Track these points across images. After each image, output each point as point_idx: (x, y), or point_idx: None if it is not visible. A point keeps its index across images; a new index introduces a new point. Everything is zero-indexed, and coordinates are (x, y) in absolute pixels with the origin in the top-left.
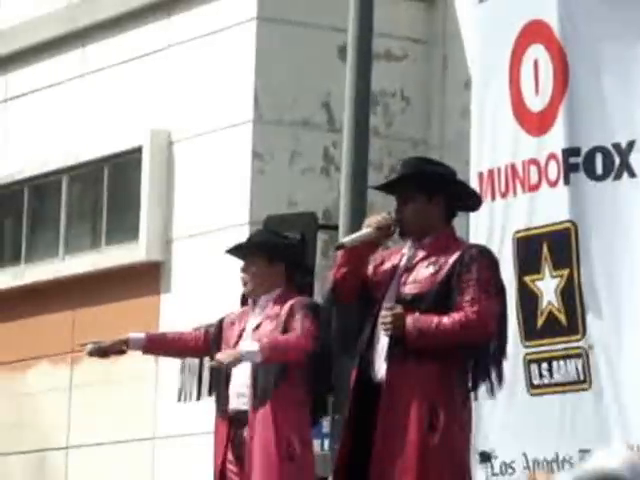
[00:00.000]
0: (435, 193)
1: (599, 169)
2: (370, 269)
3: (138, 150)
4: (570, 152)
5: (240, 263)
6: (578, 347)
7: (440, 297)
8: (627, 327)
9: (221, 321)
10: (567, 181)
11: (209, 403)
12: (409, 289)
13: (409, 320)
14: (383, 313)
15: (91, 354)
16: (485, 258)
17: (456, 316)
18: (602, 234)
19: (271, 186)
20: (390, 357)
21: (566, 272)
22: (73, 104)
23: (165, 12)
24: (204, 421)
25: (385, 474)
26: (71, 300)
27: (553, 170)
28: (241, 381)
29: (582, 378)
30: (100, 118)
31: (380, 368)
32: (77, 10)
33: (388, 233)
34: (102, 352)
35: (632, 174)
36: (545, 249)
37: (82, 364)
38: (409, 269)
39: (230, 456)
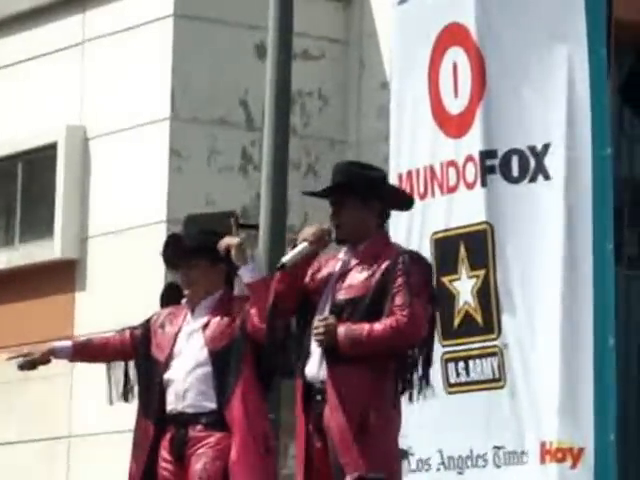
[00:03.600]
0: (369, 197)
1: (515, 171)
2: (307, 276)
3: (53, 146)
4: (487, 154)
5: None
6: (494, 346)
7: (374, 302)
8: (540, 327)
9: (148, 322)
10: (484, 183)
11: (124, 403)
12: (343, 294)
13: (341, 330)
14: (316, 324)
15: (22, 368)
16: (417, 264)
17: (387, 321)
18: (517, 235)
19: (189, 184)
20: (325, 362)
21: (482, 272)
22: None
23: (80, 7)
24: (119, 420)
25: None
26: None
27: (471, 172)
28: (180, 384)
29: (497, 376)
30: (14, 114)
31: (311, 369)
32: None
33: (324, 243)
34: (31, 364)
35: (547, 176)
36: (462, 250)
37: None
38: (343, 275)
39: (166, 456)
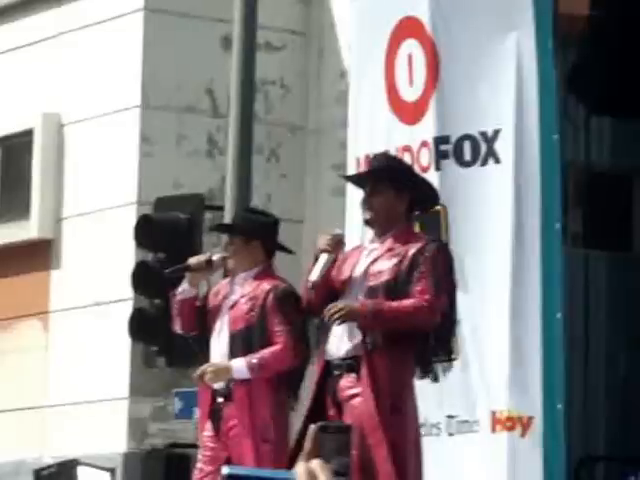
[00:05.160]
0: (402, 190)
1: (467, 156)
2: (334, 270)
3: (30, 132)
4: (440, 140)
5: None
6: None
7: (402, 286)
8: (491, 302)
9: (207, 293)
10: (438, 167)
11: (97, 373)
12: (373, 280)
13: (362, 304)
14: (330, 305)
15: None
16: (442, 255)
17: (407, 302)
18: (470, 216)
19: (158, 168)
20: (362, 346)
21: None
22: None
23: (56, 2)
24: (94, 390)
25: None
26: None
27: (425, 156)
28: (220, 358)
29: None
30: None
31: (331, 348)
32: None
33: (341, 247)
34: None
35: (497, 160)
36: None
37: None
38: (373, 262)
39: (208, 427)
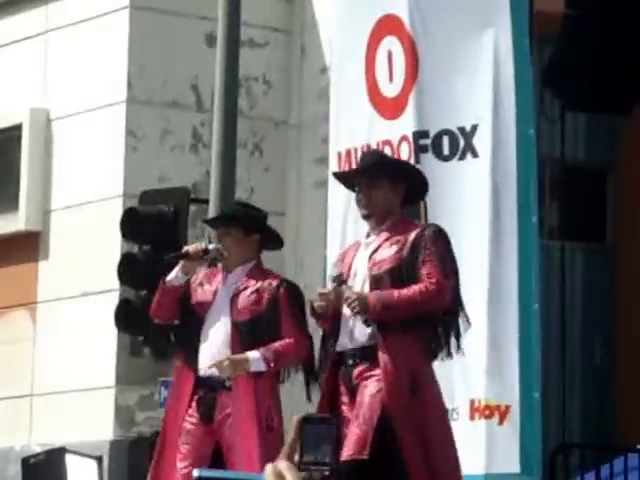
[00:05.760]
0: (397, 182)
1: (446, 150)
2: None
3: (18, 127)
4: (420, 134)
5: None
6: None
7: (405, 272)
8: (470, 294)
9: (187, 282)
10: (417, 161)
11: (84, 362)
12: (376, 269)
13: (372, 296)
14: (346, 295)
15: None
16: (441, 238)
17: (416, 287)
18: (448, 209)
19: (143, 162)
20: (378, 331)
21: None
22: None
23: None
24: (81, 379)
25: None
26: None
27: (405, 151)
28: (217, 348)
29: None
30: None
31: (343, 339)
32: None
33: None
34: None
35: (475, 154)
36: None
37: None
38: (373, 252)
39: (194, 413)
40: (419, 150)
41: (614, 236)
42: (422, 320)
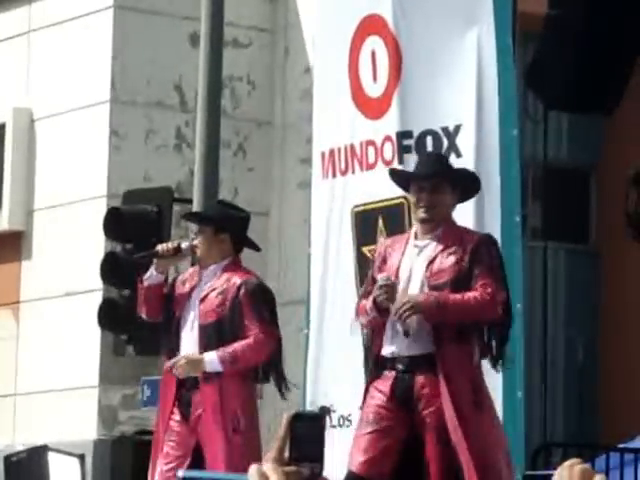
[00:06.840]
0: (456, 187)
1: (430, 150)
2: (375, 270)
3: (2, 127)
4: (403, 135)
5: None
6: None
7: (464, 283)
8: None
9: (174, 280)
10: (401, 161)
11: (68, 362)
12: (435, 279)
13: (425, 295)
14: (397, 305)
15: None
16: (495, 249)
17: (470, 294)
18: None
19: (127, 162)
20: (433, 340)
21: None
22: None
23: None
24: (65, 378)
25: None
26: None
27: (388, 151)
28: (190, 348)
29: None
30: None
31: (391, 346)
32: None
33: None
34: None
35: (458, 154)
36: (380, 222)
37: None
38: (432, 261)
39: (176, 412)
40: (403, 150)
41: (597, 237)
42: (475, 330)
